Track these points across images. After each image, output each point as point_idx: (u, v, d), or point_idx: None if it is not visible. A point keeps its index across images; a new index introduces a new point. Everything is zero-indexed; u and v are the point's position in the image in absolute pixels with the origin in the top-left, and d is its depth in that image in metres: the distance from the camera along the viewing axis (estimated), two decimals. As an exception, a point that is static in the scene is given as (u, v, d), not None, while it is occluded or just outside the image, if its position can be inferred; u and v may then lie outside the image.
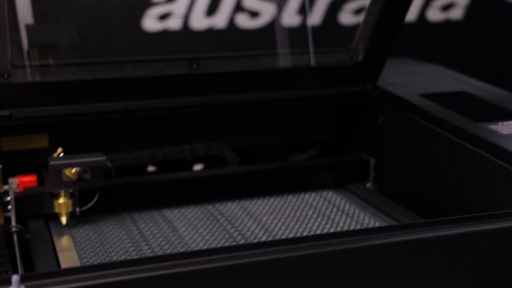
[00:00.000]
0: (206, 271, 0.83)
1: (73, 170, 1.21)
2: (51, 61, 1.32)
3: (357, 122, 1.58)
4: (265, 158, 1.66)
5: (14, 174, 1.29)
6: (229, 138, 1.53)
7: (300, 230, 1.26)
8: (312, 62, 1.44)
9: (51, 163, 1.17)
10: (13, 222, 1.23)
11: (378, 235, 0.93)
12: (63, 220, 1.23)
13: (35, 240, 1.18)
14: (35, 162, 1.36)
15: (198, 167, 1.64)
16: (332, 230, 1.26)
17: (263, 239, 1.21)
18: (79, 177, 1.23)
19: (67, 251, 1.17)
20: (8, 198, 1.24)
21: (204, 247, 1.17)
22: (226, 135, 1.54)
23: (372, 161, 1.48)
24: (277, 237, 1.22)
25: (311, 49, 1.46)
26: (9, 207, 1.23)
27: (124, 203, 1.34)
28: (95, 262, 1.12)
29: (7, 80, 1.24)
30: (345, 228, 1.27)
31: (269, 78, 1.45)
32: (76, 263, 1.13)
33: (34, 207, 1.25)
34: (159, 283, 0.81)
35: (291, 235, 1.23)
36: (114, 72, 1.31)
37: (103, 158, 1.20)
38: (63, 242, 1.20)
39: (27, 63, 1.27)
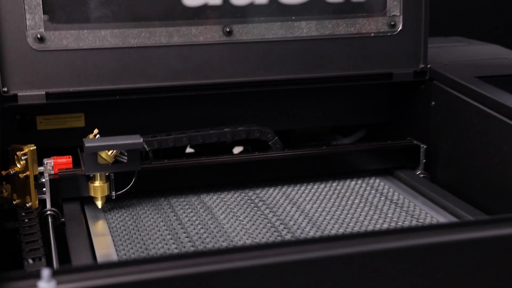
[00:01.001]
0: (253, 269, 0.77)
1: (110, 153, 1.16)
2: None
3: (408, 105, 1.49)
4: (307, 142, 1.59)
5: (49, 155, 1.25)
6: (270, 120, 1.47)
7: (346, 220, 1.19)
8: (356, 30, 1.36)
9: (87, 145, 1.12)
10: (48, 205, 1.19)
11: (446, 231, 0.85)
12: (99, 204, 1.19)
13: (70, 224, 1.14)
14: (71, 143, 1.32)
15: (238, 150, 1.58)
16: (381, 221, 1.18)
17: (307, 229, 1.15)
18: (116, 160, 1.18)
19: (102, 236, 1.12)
20: (43, 180, 1.19)
21: (245, 237, 1.11)
22: (266, 117, 1.47)
23: (423, 147, 1.40)
24: (322, 227, 1.15)
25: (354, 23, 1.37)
26: (44, 189, 1.19)
27: (161, 187, 1.29)
28: (130, 250, 1.07)
29: (41, 45, 1.19)
30: (395, 219, 1.19)
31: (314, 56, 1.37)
32: (111, 249, 1.08)
33: (69, 189, 1.20)
34: (202, 281, 0.75)
35: (337, 226, 1.16)
36: (146, 39, 1.25)
37: (140, 140, 1.14)
38: (98, 227, 1.16)
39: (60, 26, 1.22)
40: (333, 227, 1.16)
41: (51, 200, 1.19)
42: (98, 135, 1.18)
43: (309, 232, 1.13)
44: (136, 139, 1.14)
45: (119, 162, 1.18)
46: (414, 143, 1.41)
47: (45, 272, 0.70)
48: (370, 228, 1.15)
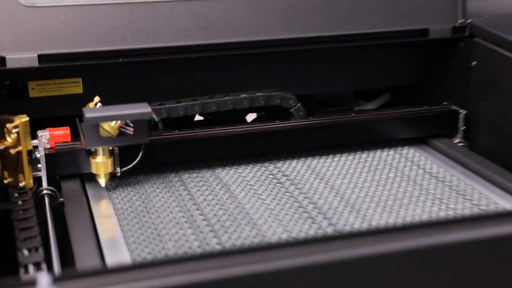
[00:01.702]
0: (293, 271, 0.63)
1: (113, 124, 1.01)
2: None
3: (443, 66, 1.34)
4: (328, 108, 1.44)
5: (43, 126, 1.10)
6: (288, 85, 1.32)
7: (383, 198, 1.04)
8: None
9: (87, 115, 0.97)
10: (44, 184, 1.05)
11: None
12: (102, 181, 1.04)
13: (70, 204, 1.00)
14: (68, 112, 1.17)
15: (251, 118, 1.44)
16: (422, 198, 1.04)
17: (339, 208, 1.00)
18: (120, 132, 1.03)
19: (107, 218, 0.98)
20: (38, 156, 1.05)
21: (270, 219, 0.97)
22: (285, 81, 1.32)
23: (462, 112, 1.25)
24: (357, 207, 1.01)
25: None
26: (39, 166, 1.05)
27: (171, 161, 1.14)
28: (139, 234, 0.92)
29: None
30: (438, 195, 1.05)
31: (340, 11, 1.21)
32: (117, 232, 0.94)
33: (68, 166, 1.06)
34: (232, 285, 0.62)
35: (373, 205, 1.02)
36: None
37: (149, 109, 0.99)
38: (102, 208, 1.01)
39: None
40: (369, 206, 1.02)
41: (47, 178, 1.05)
42: (99, 104, 1.03)
43: (342, 213, 0.99)
44: (143, 108, 0.99)
45: (124, 135, 1.03)
46: (452, 108, 1.26)
47: (44, 279, 0.56)
48: (414, 208, 1.00)
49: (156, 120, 1.02)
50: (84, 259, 0.85)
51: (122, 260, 0.87)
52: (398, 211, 1.00)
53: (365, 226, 0.95)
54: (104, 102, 1.19)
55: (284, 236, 0.92)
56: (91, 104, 1.03)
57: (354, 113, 1.27)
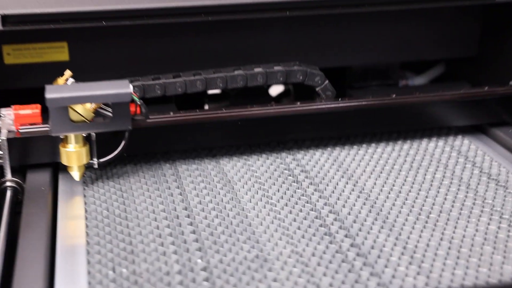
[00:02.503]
0: None
1: (89, 106, 0.81)
2: None
3: (510, 35, 1.08)
4: (367, 82, 1.21)
5: (20, 101, 0.91)
6: (317, 55, 1.09)
7: (426, 208, 0.81)
8: None
9: (49, 95, 0.77)
10: (8, 175, 0.86)
11: None
12: (75, 175, 0.85)
13: (29, 203, 0.80)
14: (50, 83, 0.98)
15: (279, 92, 1.21)
16: (477, 209, 0.80)
17: (367, 222, 0.78)
18: (98, 114, 0.83)
19: (72, 220, 0.79)
20: (-1, 140, 0.86)
21: (277, 234, 0.76)
22: (313, 52, 1.09)
23: (533, 96, 1.00)
24: (390, 218, 0.79)
25: None
26: (0, 152, 0.86)
27: (165, 149, 0.94)
28: (109, 251, 0.73)
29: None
30: (498, 208, 0.82)
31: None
32: (79, 239, 0.74)
33: (36, 153, 0.87)
34: None
35: (412, 218, 0.79)
36: None
37: (129, 89, 0.78)
38: (70, 207, 0.82)
39: None
40: (406, 220, 0.79)
41: (12, 167, 0.86)
42: (71, 80, 0.83)
43: (370, 229, 0.77)
44: (122, 87, 0.78)
45: (102, 118, 0.83)
46: (520, 90, 1.01)
47: None
48: (465, 225, 0.76)
49: (138, 102, 0.81)
50: (27, 276, 0.66)
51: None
52: (443, 229, 0.77)
53: (399, 249, 0.73)
54: (94, 73, 1.00)
55: (292, 261, 0.71)
56: (61, 80, 0.83)
57: (399, 89, 1.04)
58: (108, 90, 0.78)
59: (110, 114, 0.82)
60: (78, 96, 0.77)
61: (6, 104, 0.90)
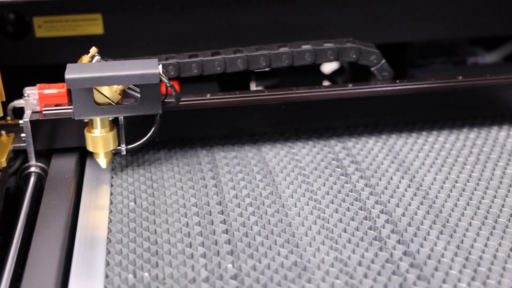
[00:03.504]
0: None
1: (114, 88, 0.74)
2: None
3: None
4: (432, 59, 1.09)
5: (49, 78, 0.85)
6: (375, 30, 0.98)
7: (493, 210, 0.70)
8: None
9: (68, 76, 0.69)
10: (32, 160, 0.80)
11: None
12: (102, 162, 0.78)
13: (50, 190, 0.74)
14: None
15: (333, 70, 1.11)
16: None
17: (424, 225, 0.68)
18: (126, 94, 0.76)
19: (95, 211, 0.72)
20: (21, 122, 0.80)
21: (319, 237, 0.67)
22: (370, 26, 0.98)
23: None
24: (451, 222, 0.69)
25: None
26: (23, 135, 0.80)
27: (199, 136, 0.86)
28: (130, 252, 0.66)
29: None
30: None
31: None
32: (101, 231, 0.67)
33: (62, 137, 0.80)
34: None
35: (476, 222, 0.68)
36: None
37: (156, 70, 0.70)
38: (94, 197, 0.75)
39: None
40: (469, 224, 0.68)
41: (35, 151, 0.80)
42: (97, 57, 0.75)
43: (426, 234, 0.67)
44: (149, 68, 0.70)
45: (128, 97, 0.76)
46: None
47: None
48: None
49: (168, 84, 0.73)
50: (36, 280, 0.60)
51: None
52: (504, 230, 0.67)
53: (459, 260, 0.63)
54: (130, 48, 0.93)
55: (335, 270, 0.62)
56: (86, 58, 0.75)
57: (467, 67, 0.92)
58: (134, 71, 0.70)
59: (138, 95, 0.74)
60: (100, 76, 0.69)
61: (37, 82, 0.84)
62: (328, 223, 0.70)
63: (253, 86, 1.11)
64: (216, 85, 0.97)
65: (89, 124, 0.76)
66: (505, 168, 0.79)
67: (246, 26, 0.95)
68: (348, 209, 0.72)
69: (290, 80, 1.00)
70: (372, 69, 0.88)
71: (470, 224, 0.69)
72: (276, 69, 1.04)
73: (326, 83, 1.09)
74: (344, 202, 0.73)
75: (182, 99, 0.80)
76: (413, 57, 1.09)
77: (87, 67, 0.71)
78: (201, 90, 0.88)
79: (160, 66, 0.71)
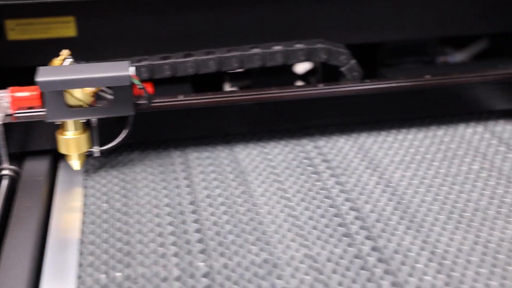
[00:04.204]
0: None
1: (87, 90, 0.74)
2: None
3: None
4: (402, 58, 1.11)
5: (22, 80, 0.85)
6: (346, 31, 1.00)
7: (459, 205, 0.72)
8: None
9: (41, 79, 0.70)
10: (4, 162, 0.80)
11: None
12: (75, 164, 0.78)
13: (23, 192, 0.74)
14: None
15: (306, 69, 1.13)
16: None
17: (392, 221, 0.70)
18: (98, 97, 0.76)
19: (68, 213, 0.72)
20: (-6, 126, 0.80)
21: (290, 234, 0.68)
22: (340, 27, 1.00)
23: None
24: (418, 217, 0.71)
25: None
26: (-4, 139, 0.80)
27: (172, 137, 0.86)
28: (103, 252, 0.66)
29: None
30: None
31: None
32: (74, 233, 0.68)
33: (34, 139, 0.81)
34: None
35: (442, 218, 0.70)
36: None
37: (127, 72, 0.71)
38: (67, 199, 0.76)
39: None
40: (435, 219, 0.70)
41: (8, 154, 0.80)
42: (69, 60, 0.76)
43: (394, 230, 0.68)
44: (121, 70, 0.71)
45: (102, 99, 0.76)
46: None
47: None
48: (503, 226, 0.66)
49: (139, 86, 0.74)
50: (8, 281, 0.60)
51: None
52: (478, 230, 0.68)
53: (426, 254, 0.65)
54: (103, 51, 0.94)
55: (304, 267, 0.64)
56: (57, 61, 0.76)
57: (437, 66, 0.94)
58: (106, 73, 0.71)
59: (111, 97, 0.75)
60: (72, 79, 0.70)
61: (9, 85, 0.85)
62: (298, 220, 0.71)
63: (227, 87, 1.12)
64: (190, 87, 0.98)
65: (62, 127, 0.77)
66: (471, 164, 0.81)
67: (218, 28, 0.96)
68: (319, 207, 0.73)
69: (263, 81, 1.01)
70: (342, 69, 0.90)
71: (436, 219, 0.71)
72: (250, 70, 1.05)
73: (299, 83, 1.11)
74: (314, 200, 0.75)
75: (154, 101, 0.81)
76: (384, 57, 1.11)
77: (59, 69, 0.72)
78: (175, 92, 0.89)
79: (132, 68, 0.72)
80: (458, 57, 1.14)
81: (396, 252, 0.66)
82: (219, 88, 1.10)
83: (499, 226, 0.69)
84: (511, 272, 0.62)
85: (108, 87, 0.75)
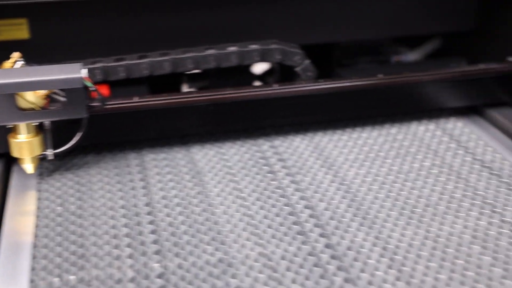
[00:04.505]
0: None
1: (39, 93, 0.74)
2: None
3: (509, 7, 1.00)
4: (357, 58, 1.13)
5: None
6: (302, 31, 1.01)
7: (411, 201, 0.74)
8: None
9: (-9, 82, 0.69)
10: (-46, 167, 0.79)
11: None
12: (28, 168, 0.78)
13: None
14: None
15: (264, 70, 1.13)
16: (467, 202, 0.73)
17: (345, 218, 0.71)
18: (52, 99, 0.76)
19: (21, 217, 0.72)
20: None
21: (245, 233, 0.69)
22: (296, 28, 1.00)
23: (534, 74, 0.92)
24: (371, 213, 0.72)
25: None
26: None
27: (128, 139, 0.86)
28: (57, 255, 0.66)
29: None
30: (490, 200, 0.74)
31: None
32: (27, 237, 0.67)
33: (-13, 143, 0.80)
34: None
35: (394, 213, 0.72)
36: None
37: (79, 74, 0.70)
38: (21, 203, 0.75)
39: None
40: (388, 215, 0.72)
41: (-40, 159, 0.79)
42: (20, 63, 0.75)
43: (348, 227, 0.70)
44: (72, 72, 0.71)
45: (55, 102, 0.76)
46: (519, 68, 0.93)
47: None
48: (452, 221, 0.68)
49: (92, 88, 0.74)
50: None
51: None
52: (428, 225, 0.70)
53: (378, 250, 0.66)
54: (57, 54, 0.93)
55: (259, 265, 0.64)
56: (7, 63, 0.75)
57: (391, 66, 0.96)
58: (57, 76, 0.70)
59: (64, 100, 0.75)
60: (23, 82, 0.69)
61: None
62: (253, 219, 0.72)
63: (185, 88, 1.12)
64: (146, 88, 0.98)
65: (14, 130, 0.76)
66: (423, 161, 0.83)
67: (172, 30, 0.96)
68: (274, 206, 0.74)
69: (221, 82, 1.01)
70: (297, 69, 0.90)
71: (388, 215, 0.72)
72: (208, 71, 1.06)
73: (257, 83, 1.12)
74: (270, 199, 0.75)
75: (109, 103, 0.81)
76: (340, 57, 1.13)
77: (9, 72, 0.71)
78: (133, 93, 0.88)
79: (85, 70, 0.72)
80: (412, 56, 1.16)
81: (349, 248, 0.67)
82: (177, 90, 1.10)
83: (448, 221, 0.71)
84: (459, 265, 0.64)
85: (61, 90, 0.75)
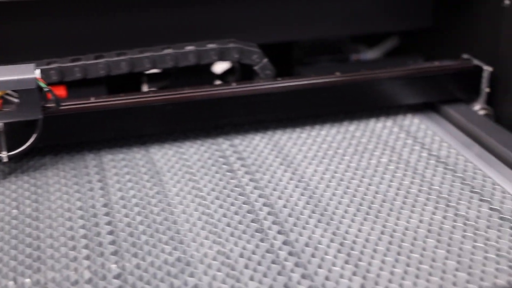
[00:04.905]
0: None
1: (-10, 93, 0.73)
2: None
3: (466, 5, 1.02)
4: (317, 56, 1.14)
5: None
6: (260, 30, 1.01)
7: (368, 197, 0.75)
8: None
9: None
10: None
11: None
12: (-17, 171, 0.77)
13: None
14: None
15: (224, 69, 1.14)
16: (422, 197, 0.74)
17: (304, 215, 0.72)
18: (5, 101, 0.75)
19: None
20: None
21: (203, 232, 0.69)
22: (255, 26, 1.01)
23: (488, 69, 0.94)
24: (329, 209, 0.73)
25: None
26: None
27: (86, 140, 0.85)
28: (13, 257, 0.65)
29: None
30: (436, 186, 0.76)
31: None
32: None
33: None
34: None
35: (352, 209, 0.73)
36: None
37: (32, 75, 0.70)
38: (-18, 207, 0.74)
39: None
40: (346, 211, 0.72)
41: None
42: (-28, 64, 0.74)
43: (305, 224, 0.70)
44: (26, 73, 0.70)
45: (9, 104, 0.75)
46: (474, 64, 0.95)
47: None
48: (408, 215, 0.69)
49: (45, 88, 0.73)
50: None
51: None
52: (385, 220, 0.71)
53: (335, 246, 0.67)
54: (10, 54, 0.91)
55: (217, 263, 0.65)
56: (-41, 65, 0.74)
57: (350, 64, 0.97)
58: (10, 76, 0.69)
59: (17, 101, 0.74)
60: (-25, 84, 0.68)
61: None
62: (212, 218, 0.72)
63: (145, 88, 1.12)
64: (104, 88, 0.97)
65: (-33, 132, 0.75)
66: (380, 158, 0.84)
67: (129, 29, 0.95)
68: (233, 204, 0.74)
69: (182, 81, 1.01)
70: (255, 67, 0.91)
71: (346, 211, 0.73)
72: (168, 71, 1.05)
73: (218, 82, 1.12)
74: (229, 197, 0.76)
75: (64, 103, 0.80)
76: (300, 55, 1.13)
77: (-40, 74, 0.70)
78: (91, 94, 0.88)
79: (38, 71, 0.71)
80: (370, 54, 1.18)
81: (306, 245, 0.67)
82: (137, 90, 1.09)
83: (404, 215, 0.72)
84: (414, 259, 0.65)
85: (14, 91, 0.74)
